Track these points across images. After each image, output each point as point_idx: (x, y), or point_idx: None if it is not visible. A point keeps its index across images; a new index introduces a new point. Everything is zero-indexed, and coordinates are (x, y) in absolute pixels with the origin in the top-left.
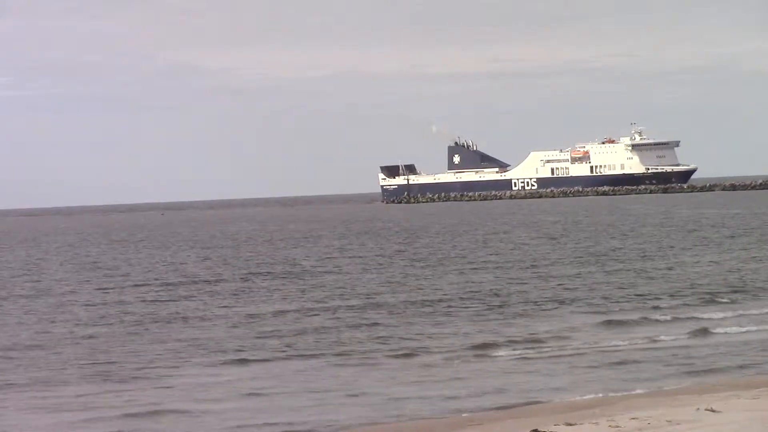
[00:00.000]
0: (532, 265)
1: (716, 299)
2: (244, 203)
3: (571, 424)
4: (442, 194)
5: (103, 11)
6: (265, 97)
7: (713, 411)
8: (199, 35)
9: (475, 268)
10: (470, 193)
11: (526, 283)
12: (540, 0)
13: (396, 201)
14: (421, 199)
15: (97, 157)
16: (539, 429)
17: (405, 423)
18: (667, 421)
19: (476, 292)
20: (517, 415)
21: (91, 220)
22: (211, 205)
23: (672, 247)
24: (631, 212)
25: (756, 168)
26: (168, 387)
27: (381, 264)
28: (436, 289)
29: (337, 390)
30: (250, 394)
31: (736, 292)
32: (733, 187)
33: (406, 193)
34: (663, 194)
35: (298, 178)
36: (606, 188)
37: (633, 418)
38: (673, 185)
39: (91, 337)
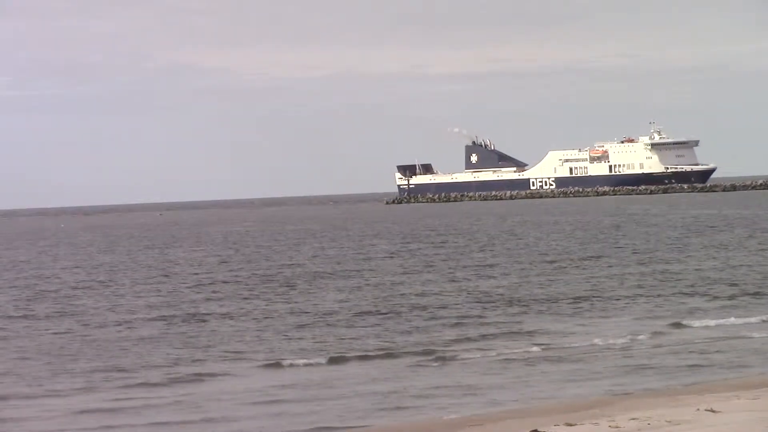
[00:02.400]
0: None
1: None
2: (242, 203)
3: (571, 425)
4: (443, 194)
5: (103, 11)
6: (265, 97)
7: (713, 411)
8: (199, 35)
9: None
10: (470, 194)
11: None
12: (540, 0)
13: (396, 202)
14: (421, 199)
15: (97, 157)
16: (539, 429)
17: (405, 423)
18: (667, 421)
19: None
20: (517, 415)
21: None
22: (210, 205)
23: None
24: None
25: (759, 168)
26: (209, 390)
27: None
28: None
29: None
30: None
31: None
32: (734, 188)
33: (405, 194)
34: (664, 194)
35: (298, 179)
36: (606, 188)
37: (633, 419)
38: (673, 185)
39: (141, 338)
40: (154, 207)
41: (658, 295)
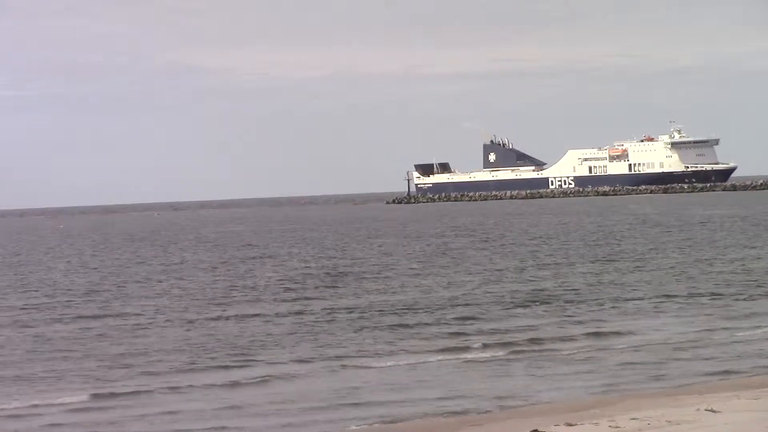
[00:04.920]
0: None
1: None
2: (243, 203)
3: (571, 425)
4: (442, 194)
5: (103, 11)
6: (265, 97)
7: (713, 411)
8: (199, 35)
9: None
10: (472, 193)
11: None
12: (540, 0)
13: (396, 202)
14: (421, 200)
15: (97, 157)
16: (539, 429)
17: (405, 423)
18: (667, 421)
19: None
20: (517, 415)
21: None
22: (212, 206)
23: None
24: None
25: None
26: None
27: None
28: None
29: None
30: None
31: None
32: (734, 188)
33: (407, 194)
34: (664, 194)
35: (298, 179)
36: (607, 188)
37: (633, 419)
38: (674, 186)
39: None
40: (153, 207)
41: (706, 294)
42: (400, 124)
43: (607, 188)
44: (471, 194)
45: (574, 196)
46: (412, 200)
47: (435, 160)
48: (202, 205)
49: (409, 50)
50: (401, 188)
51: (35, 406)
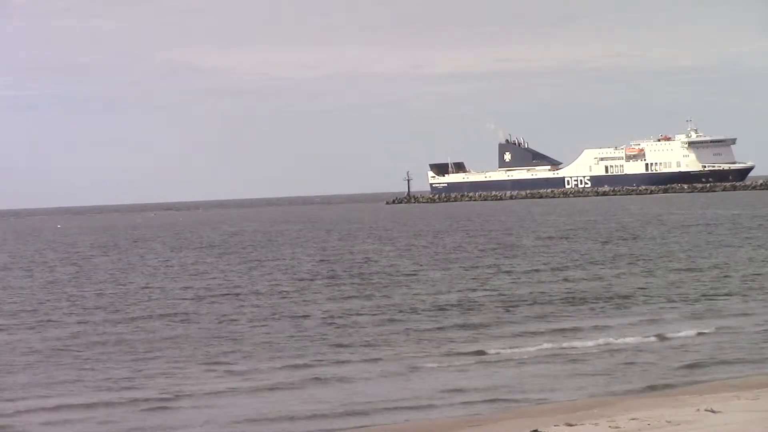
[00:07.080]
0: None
1: None
2: (243, 203)
3: (571, 425)
4: (443, 195)
5: (103, 11)
6: (265, 97)
7: (713, 411)
8: (199, 35)
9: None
10: (470, 193)
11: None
12: (540, 0)
13: (397, 201)
14: (421, 200)
15: (97, 157)
16: (539, 429)
17: (405, 423)
18: (667, 421)
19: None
20: (517, 415)
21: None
22: (213, 205)
23: None
24: None
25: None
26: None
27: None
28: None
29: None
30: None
31: None
32: (734, 188)
33: (407, 194)
34: (664, 194)
35: (298, 179)
36: (610, 188)
37: (633, 419)
38: (673, 185)
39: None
40: (153, 207)
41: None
42: (400, 124)
43: (606, 188)
44: (472, 194)
45: (574, 196)
46: (413, 200)
47: (450, 160)
48: (201, 205)
49: (409, 50)
50: (401, 188)
51: (105, 404)
